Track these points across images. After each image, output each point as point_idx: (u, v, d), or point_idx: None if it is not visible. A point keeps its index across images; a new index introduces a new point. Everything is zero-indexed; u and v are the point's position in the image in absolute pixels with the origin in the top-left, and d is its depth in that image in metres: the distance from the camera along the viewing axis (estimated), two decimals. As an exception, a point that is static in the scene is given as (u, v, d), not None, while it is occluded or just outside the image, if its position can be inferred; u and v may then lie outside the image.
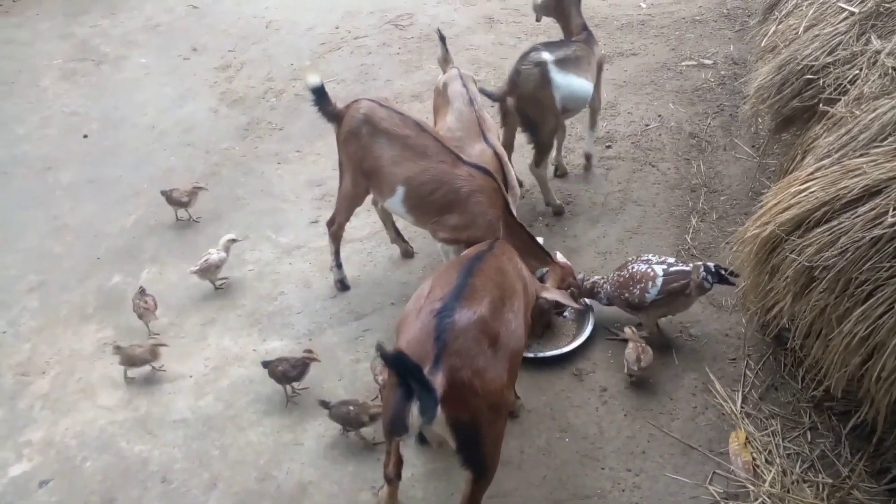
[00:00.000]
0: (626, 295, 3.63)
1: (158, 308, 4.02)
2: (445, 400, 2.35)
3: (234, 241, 4.32)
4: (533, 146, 4.54)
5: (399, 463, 2.87)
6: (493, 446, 2.65)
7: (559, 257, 3.78)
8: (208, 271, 4.21)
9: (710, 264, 3.60)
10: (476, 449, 2.56)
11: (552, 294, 3.41)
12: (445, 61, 4.49)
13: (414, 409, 2.27)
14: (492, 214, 3.58)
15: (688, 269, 3.58)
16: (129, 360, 3.73)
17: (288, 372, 3.54)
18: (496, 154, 3.89)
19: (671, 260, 3.68)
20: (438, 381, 2.36)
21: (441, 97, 4.22)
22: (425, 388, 2.22)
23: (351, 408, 3.31)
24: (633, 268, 3.65)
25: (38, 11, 7.93)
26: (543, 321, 3.81)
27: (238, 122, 5.93)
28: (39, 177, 5.41)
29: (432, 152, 3.62)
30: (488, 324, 2.61)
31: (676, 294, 3.56)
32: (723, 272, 3.55)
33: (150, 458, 3.39)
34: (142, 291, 3.99)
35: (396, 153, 3.66)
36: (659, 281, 3.55)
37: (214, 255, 4.22)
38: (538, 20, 5.24)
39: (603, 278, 3.83)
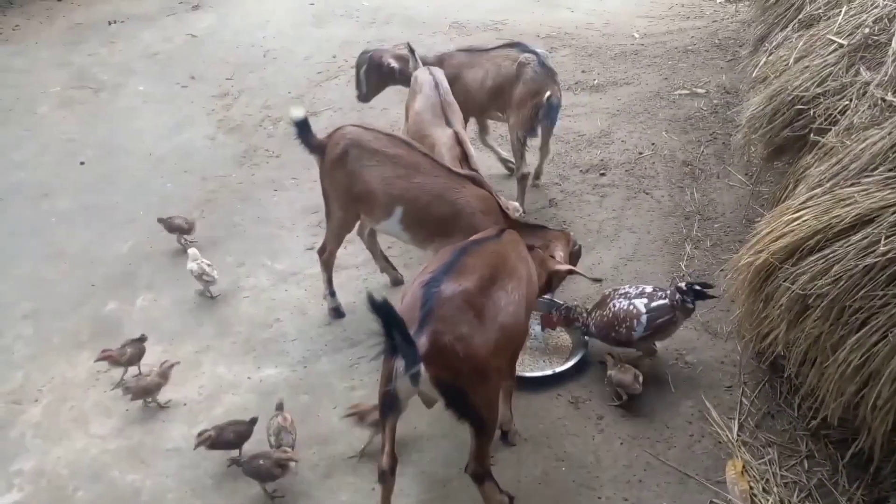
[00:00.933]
0: (614, 334, 3.66)
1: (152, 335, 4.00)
2: (428, 361, 2.52)
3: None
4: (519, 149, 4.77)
5: (393, 458, 2.89)
6: (485, 404, 2.78)
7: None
8: (211, 282, 4.35)
9: (682, 284, 3.62)
10: (465, 406, 2.72)
11: (564, 267, 3.51)
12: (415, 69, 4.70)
13: (399, 366, 2.46)
14: (489, 222, 3.61)
15: (667, 303, 3.58)
16: (143, 392, 3.67)
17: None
18: (456, 133, 4.10)
19: (648, 289, 3.68)
20: (422, 343, 2.53)
21: (411, 92, 4.42)
22: (406, 340, 2.40)
23: (261, 461, 3.18)
24: (615, 306, 3.65)
25: (38, 40, 8.00)
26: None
27: (235, 150, 5.96)
28: (36, 204, 5.42)
29: (425, 169, 3.67)
30: (473, 296, 2.77)
31: (663, 326, 3.60)
32: (697, 287, 3.59)
33: (142, 487, 3.35)
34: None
35: (390, 173, 3.69)
36: (644, 319, 3.57)
37: (194, 265, 4.33)
38: (367, 101, 5.23)
39: (579, 307, 3.86)
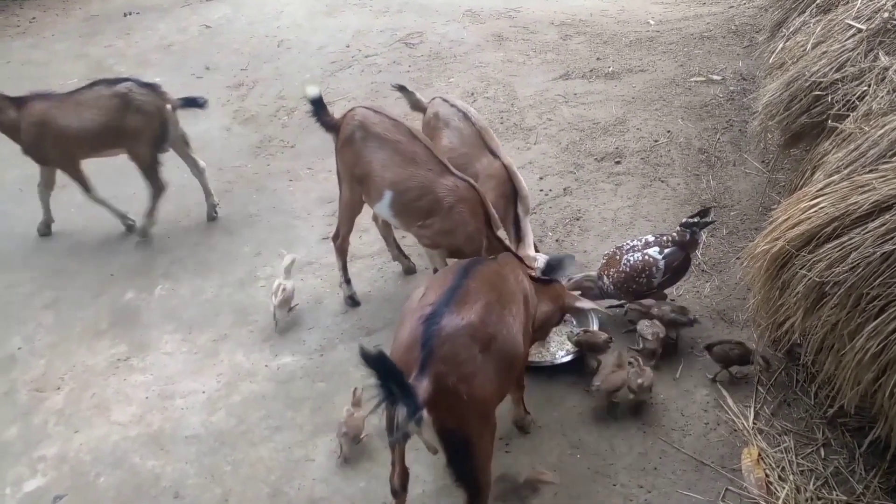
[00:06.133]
0: (634, 286, 3.80)
1: (171, 324, 4.05)
2: (432, 405, 2.38)
3: (293, 261, 4.14)
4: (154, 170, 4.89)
5: (404, 475, 2.88)
6: (483, 460, 2.66)
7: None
8: (287, 302, 4.04)
9: (683, 221, 3.87)
10: (466, 460, 2.58)
11: (583, 303, 3.49)
12: (417, 103, 4.56)
13: (401, 412, 2.28)
14: (472, 226, 3.63)
15: (676, 247, 3.80)
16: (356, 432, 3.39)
17: None
18: (504, 164, 3.98)
19: (650, 238, 3.87)
20: (424, 388, 2.39)
21: (432, 128, 4.24)
22: (405, 391, 2.25)
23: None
24: (629, 261, 3.79)
25: (55, 32, 8.08)
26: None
27: (250, 140, 6.00)
28: (55, 194, 5.44)
29: (421, 160, 3.70)
30: (478, 329, 2.62)
31: (680, 269, 3.84)
32: (695, 220, 3.81)
33: (162, 473, 3.41)
34: None
35: (386, 158, 3.74)
36: (661, 264, 3.78)
37: (288, 284, 4.04)
38: None
39: (589, 276, 3.93)
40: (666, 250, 3.79)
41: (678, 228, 3.89)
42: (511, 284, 2.99)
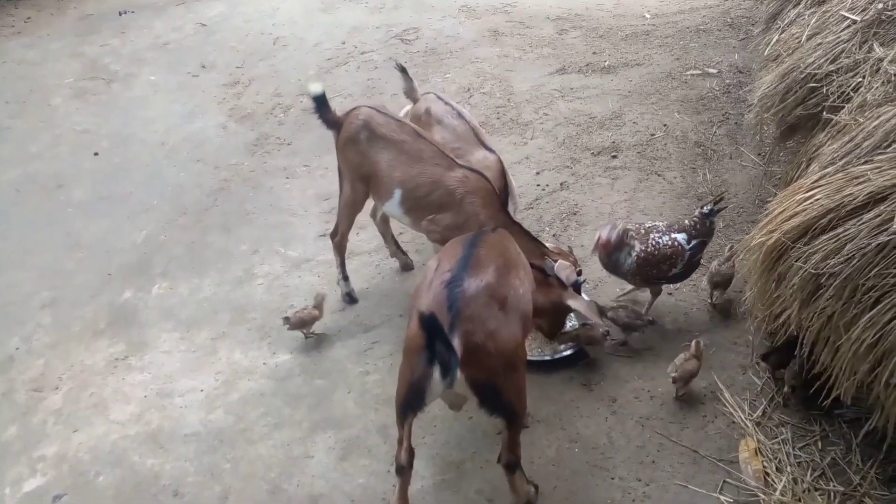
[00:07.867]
0: (654, 272, 3.69)
1: (169, 323, 4.05)
2: (462, 362, 2.55)
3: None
4: None
5: (410, 452, 2.91)
6: (515, 394, 2.84)
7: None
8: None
9: (704, 210, 3.72)
10: (498, 401, 2.78)
11: (579, 304, 3.47)
12: (412, 90, 4.53)
13: (435, 374, 2.50)
14: (485, 215, 3.64)
15: (701, 240, 3.69)
16: (301, 324, 3.92)
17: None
18: (498, 159, 4.01)
19: (662, 225, 3.77)
20: (454, 345, 2.55)
21: (422, 123, 4.22)
22: (449, 349, 2.45)
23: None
24: (658, 242, 3.65)
25: (50, 31, 8.06)
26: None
27: (247, 138, 5.99)
28: (52, 194, 5.48)
29: (427, 156, 3.72)
30: (496, 289, 2.81)
31: (695, 264, 3.76)
32: (708, 209, 3.70)
33: (161, 472, 3.41)
34: None
35: (393, 157, 3.76)
36: (686, 256, 3.67)
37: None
38: None
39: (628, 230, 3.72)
40: (693, 241, 3.67)
41: (696, 217, 3.71)
42: (512, 252, 3.19)
